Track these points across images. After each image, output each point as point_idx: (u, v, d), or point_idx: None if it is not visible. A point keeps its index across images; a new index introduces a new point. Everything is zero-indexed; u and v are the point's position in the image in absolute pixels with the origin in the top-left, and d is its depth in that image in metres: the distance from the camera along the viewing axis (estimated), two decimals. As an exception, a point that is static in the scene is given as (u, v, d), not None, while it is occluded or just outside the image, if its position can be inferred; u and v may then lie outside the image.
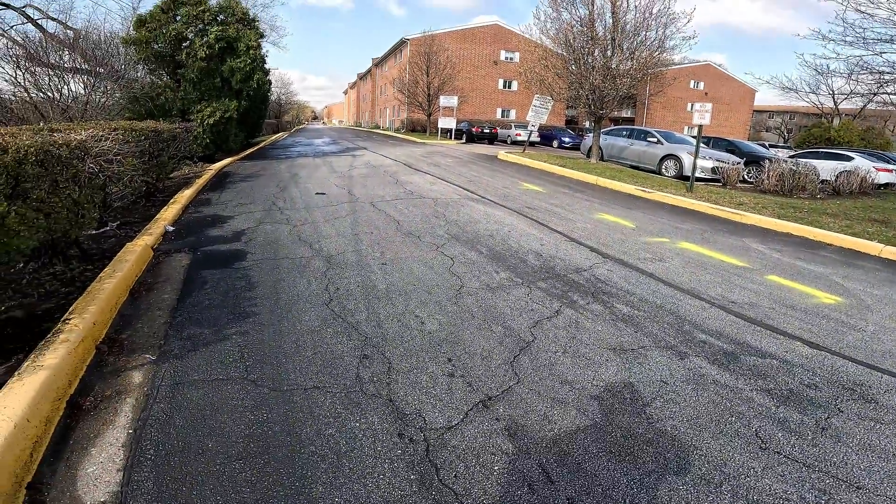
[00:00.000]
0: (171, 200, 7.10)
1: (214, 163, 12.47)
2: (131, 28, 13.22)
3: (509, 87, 39.78)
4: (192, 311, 3.51)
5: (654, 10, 13.03)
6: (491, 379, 2.76)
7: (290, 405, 2.47)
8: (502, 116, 39.04)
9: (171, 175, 9.54)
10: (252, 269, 4.42)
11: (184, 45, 12.95)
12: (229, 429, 2.28)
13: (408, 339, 3.17)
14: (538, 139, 26.97)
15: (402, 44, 39.27)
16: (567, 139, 27.68)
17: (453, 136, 27.18)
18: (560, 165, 13.43)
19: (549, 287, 4.24)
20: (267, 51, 17.11)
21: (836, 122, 35.64)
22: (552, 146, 27.41)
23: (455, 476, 2.04)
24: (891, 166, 15.10)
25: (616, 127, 17.54)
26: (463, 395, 2.60)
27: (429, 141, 24.99)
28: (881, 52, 10.44)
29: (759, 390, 2.84)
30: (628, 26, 13.46)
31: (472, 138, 27.29)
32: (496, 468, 2.10)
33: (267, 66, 16.36)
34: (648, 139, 14.81)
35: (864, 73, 12.03)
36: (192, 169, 11.03)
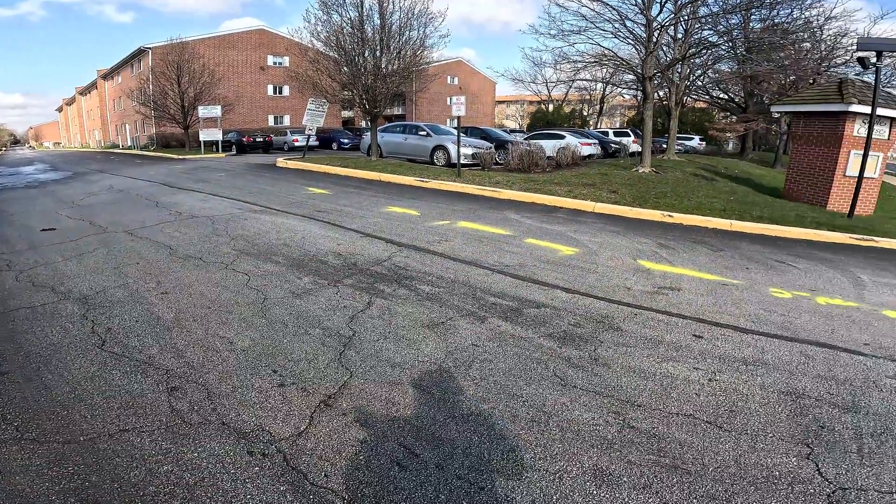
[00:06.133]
0: None
1: None
2: None
3: (280, 92, 38.22)
4: None
5: (416, 11, 14.39)
6: (324, 379, 2.78)
7: (98, 454, 2.10)
8: (276, 123, 37.18)
9: None
10: (-28, 334, 3.37)
11: None
12: (30, 489, 1.86)
13: (220, 362, 2.94)
14: (317, 143, 26.56)
15: (140, 53, 33.96)
16: (346, 140, 27.92)
17: (220, 149, 24.67)
18: (343, 166, 13.63)
19: (356, 282, 4.40)
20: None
21: (551, 107, 44.76)
22: (332, 148, 27.32)
23: (325, 476, 2.02)
24: (589, 140, 20.01)
25: (391, 124, 18.56)
26: (301, 400, 2.57)
27: (190, 156, 22.13)
28: (574, 44, 13.40)
29: (545, 336, 3.40)
30: (394, 26, 14.45)
31: (244, 149, 25.19)
32: (362, 457, 2.13)
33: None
34: (420, 133, 16.19)
35: (563, 63, 15.38)
36: None
